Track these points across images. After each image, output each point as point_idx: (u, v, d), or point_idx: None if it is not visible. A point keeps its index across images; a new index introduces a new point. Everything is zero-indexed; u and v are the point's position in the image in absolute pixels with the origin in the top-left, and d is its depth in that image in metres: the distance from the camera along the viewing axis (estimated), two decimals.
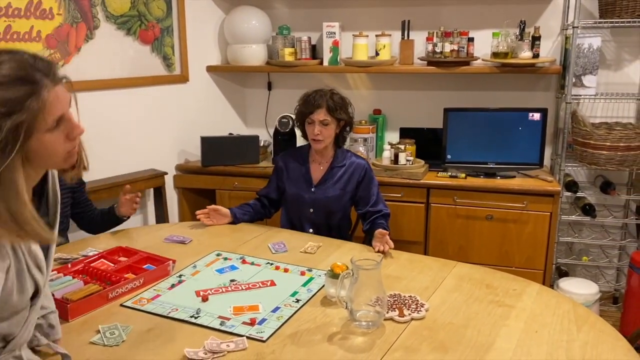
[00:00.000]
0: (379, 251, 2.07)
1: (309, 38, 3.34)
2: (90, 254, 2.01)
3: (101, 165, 2.46)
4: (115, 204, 2.31)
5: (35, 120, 0.99)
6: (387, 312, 1.58)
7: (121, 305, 1.67)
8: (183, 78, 3.27)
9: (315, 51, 3.41)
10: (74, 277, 1.77)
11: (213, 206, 2.42)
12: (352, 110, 2.44)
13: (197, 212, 2.41)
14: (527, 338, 1.50)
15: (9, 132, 0.94)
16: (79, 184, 2.35)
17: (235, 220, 2.42)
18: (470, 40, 3.04)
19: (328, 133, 2.35)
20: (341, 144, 2.47)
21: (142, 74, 3.03)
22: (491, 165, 2.97)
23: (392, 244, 2.10)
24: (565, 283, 2.96)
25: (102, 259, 1.95)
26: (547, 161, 3.17)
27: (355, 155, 2.50)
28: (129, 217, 2.35)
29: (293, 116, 2.83)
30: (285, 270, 1.93)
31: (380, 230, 2.15)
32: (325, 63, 3.30)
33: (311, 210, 2.44)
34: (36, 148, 1.01)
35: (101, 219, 2.36)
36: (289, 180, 2.48)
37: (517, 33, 2.98)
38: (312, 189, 2.43)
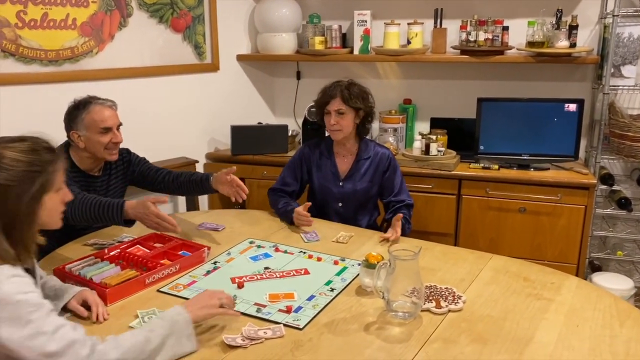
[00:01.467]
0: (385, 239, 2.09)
1: (340, 26, 3.31)
2: (126, 239, 2.03)
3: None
4: (211, 176, 2.23)
5: (52, 181, 1.31)
6: (424, 304, 1.57)
7: (158, 290, 1.68)
8: (214, 67, 3.27)
9: (345, 40, 3.38)
10: (110, 263, 1.79)
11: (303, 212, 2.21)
12: (372, 100, 2.40)
13: (304, 223, 2.21)
14: (568, 332, 1.47)
15: (40, 185, 1.28)
16: (131, 167, 2.33)
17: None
18: (505, 29, 2.97)
19: (345, 123, 2.31)
20: (363, 135, 2.43)
21: (173, 63, 3.04)
22: (525, 157, 2.92)
23: (397, 234, 2.11)
24: (598, 278, 2.89)
25: (137, 245, 1.97)
26: (581, 153, 3.10)
27: (379, 145, 2.48)
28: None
29: None
30: (319, 259, 1.93)
31: (398, 215, 2.14)
32: (356, 52, 3.27)
33: (340, 204, 2.42)
34: (47, 205, 1.32)
35: (192, 187, 2.28)
36: (316, 173, 2.44)
37: (554, 22, 2.91)
38: (340, 183, 2.40)
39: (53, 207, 1.35)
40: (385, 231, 2.20)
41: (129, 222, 1.94)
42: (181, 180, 2.30)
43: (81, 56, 2.63)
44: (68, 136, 2.13)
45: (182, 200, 3.19)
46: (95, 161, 2.18)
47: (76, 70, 2.61)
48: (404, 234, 2.21)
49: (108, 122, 2.11)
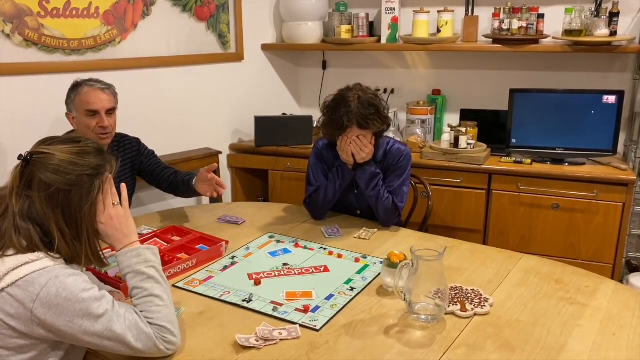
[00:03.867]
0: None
1: (367, 14, 3.21)
2: (144, 232, 2.00)
3: (156, 143, 2.45)
4: (194, 177, 2.17)
5: (105, 182, 1.31)
6: (448, 306, 1.49)
7: (173, 286, 1.64)
8: (238, 57, 3.22)
9: (372, 28, 3.28)
10: None
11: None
12: (387, 108, 2.10)
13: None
14: (603, 341, 1.37)
15: (97, 188, 1.28)
16: (140, 158, 2.30)
17: None
18: (540, 16, 2.83)
19: (363, 144, 2.03)
20: (378, 140, 2.12)
21: (197, 52, 3.00)
22: (559, 151, 2.78)
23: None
24: (636, 279, 2.76)
25: (155, 238, 1.94)
26: (620, 148, 2.94)
27: (395, 141, 2.22)
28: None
29: None
30: (339, 256, 1.86)
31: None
32: (383, 41, 3.16)
33: (358, 212, 2.27)
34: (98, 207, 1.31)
35: (182, 187, 2.22)
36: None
37: (593, 9, 2.76)
38: (356, 191, 2.21)
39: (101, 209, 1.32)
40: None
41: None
42: (177, 180, 2.24)
43: (104, 45, 2.61)
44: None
45: None
46: None
47: (99, 59, 2.59)
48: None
49: (95, 105, 2.06)
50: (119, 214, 1.33)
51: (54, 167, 1.22)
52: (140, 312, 1.27)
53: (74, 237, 1.25)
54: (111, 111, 2.12)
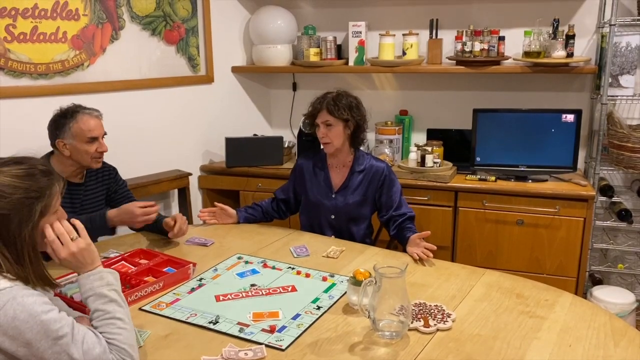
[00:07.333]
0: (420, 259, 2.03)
1: (335, 38, 3.28)
2: (112, 255, 2.00)
3: (125, 166, 2.45)
4: (162, 219, 2.20)
5: (50, 205, 1.29)
6: (412, 322, 1.52)
7: (140, 309, 1.64)
8: (208, 79, 3.25)
9: (340, 51, 3.35)
10: None
11: (220, 205, 2.43)
12: (363, 109, 2.34)
13: (201, 210, 2.38)
14: (560, 352, 1.42)
15: (39, 212, 1.26)
16: (114, 186, 2.34)
17: (240, 221, 2.44)
18: (501, 39, 2.94)
19: (334, 134, 2.27)
20: (357, 145, 2.37)
21: (167, 75, 3.02)
22: (522, 168, 2.87)
23: (433, 247, 2.06)
24: (599, 291, 2.84)
25: (122, 261, 1.94)
26: (580, 164, 3.05)
27: (375, 159, 2.42)
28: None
29: None
30: (307, 276, 1.88)
31: (417, 234, 2.11)
32: (351, 63, 3.24)
33: (332, 217, 2.38)
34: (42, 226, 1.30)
35: (150, 225, 2.23)
36: (309, 184, 2.42)
37: (551, 31, 2.88)
38: (333, 195, 2.36)
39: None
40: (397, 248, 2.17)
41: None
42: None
43: (72, 69, 2.61)
44: (53, 144, 2.14)
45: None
46: (77, 168, 2.18)
47: (67, 83, 2.59)
48: None
49: (95, 131, 2.13)
50: (80, 247, 1.33)
51: None
52: (102, 333, 1.27)
53: (16, 260, 1.23)
54: (104, 136, 2.20)
